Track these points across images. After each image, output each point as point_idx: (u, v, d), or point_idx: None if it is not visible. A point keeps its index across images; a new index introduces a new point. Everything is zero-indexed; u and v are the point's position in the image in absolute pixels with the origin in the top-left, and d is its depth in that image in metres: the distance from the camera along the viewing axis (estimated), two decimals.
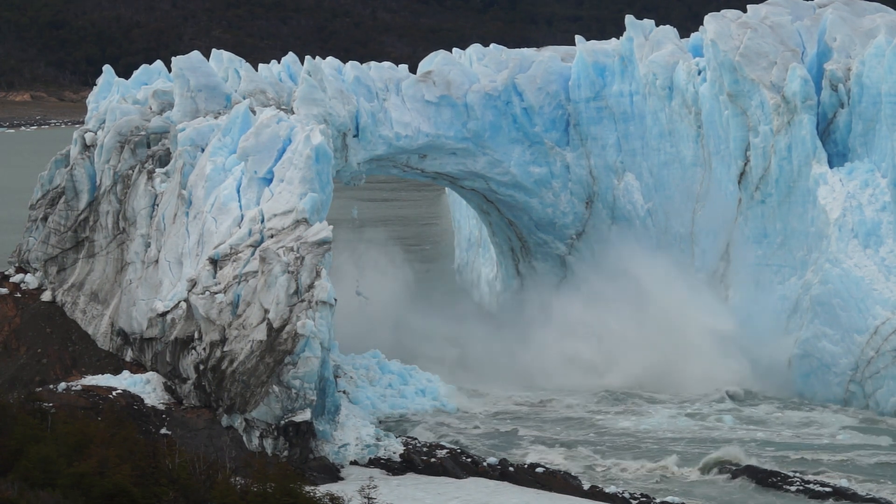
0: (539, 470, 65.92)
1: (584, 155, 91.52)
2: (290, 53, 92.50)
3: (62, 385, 73.91)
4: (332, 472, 65.78)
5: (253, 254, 73.33)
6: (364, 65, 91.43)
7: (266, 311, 69.99)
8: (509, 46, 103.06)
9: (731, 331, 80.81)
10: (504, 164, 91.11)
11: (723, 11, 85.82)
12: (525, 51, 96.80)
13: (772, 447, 69.99)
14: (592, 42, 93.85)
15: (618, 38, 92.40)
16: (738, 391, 79.30)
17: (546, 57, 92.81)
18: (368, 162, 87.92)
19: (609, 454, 69.60)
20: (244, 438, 67.52)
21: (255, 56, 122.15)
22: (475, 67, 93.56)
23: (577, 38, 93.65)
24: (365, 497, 49.02)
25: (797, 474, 64.82)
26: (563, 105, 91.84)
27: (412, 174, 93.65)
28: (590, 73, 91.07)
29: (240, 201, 77.05)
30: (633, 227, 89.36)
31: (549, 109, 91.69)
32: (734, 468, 66.03)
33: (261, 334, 69.48)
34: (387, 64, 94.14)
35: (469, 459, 67.48)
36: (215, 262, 74.39)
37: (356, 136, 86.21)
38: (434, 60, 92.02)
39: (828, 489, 63.13)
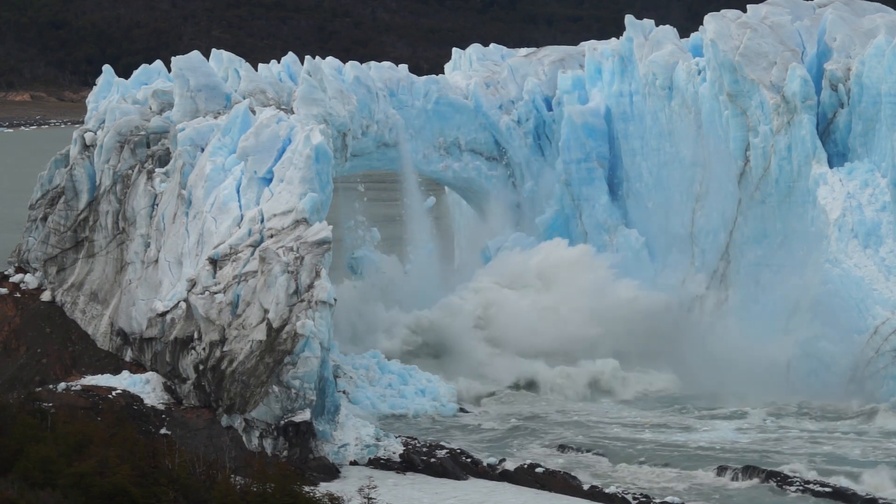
0: (539, 470, 65.81)
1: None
2: (290, 53, 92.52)
3: (62, 385, 73.88)
4: (331, 472, 65.72)
5: (253, 254, 73.27)
6: (364, 65, 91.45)
7: (266, 311, 69.94)
8: (509, 46, 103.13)
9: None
10: None
11: (723, 11, 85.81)
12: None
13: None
14: (581, 77, 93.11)
15: (618, 38, 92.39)
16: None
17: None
18: None
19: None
20: (244, 438, 67.45)
21: (255, 56, 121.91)
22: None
23: (564, 88, 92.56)
24: (364, 497, 49.04)
25: (797, 474, 64.72)
26: None
27: None
28: (579, 134, 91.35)
29: (239, 201, 77.02)
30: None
31: None
32: (736, 469, 66.00)
33: (260, 334, 69.43)
34: (387, 64, 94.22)
35: (469, 459, 67.40)
36: (215, 262, 74.35)
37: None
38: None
39: (828, 489, 63.05)
